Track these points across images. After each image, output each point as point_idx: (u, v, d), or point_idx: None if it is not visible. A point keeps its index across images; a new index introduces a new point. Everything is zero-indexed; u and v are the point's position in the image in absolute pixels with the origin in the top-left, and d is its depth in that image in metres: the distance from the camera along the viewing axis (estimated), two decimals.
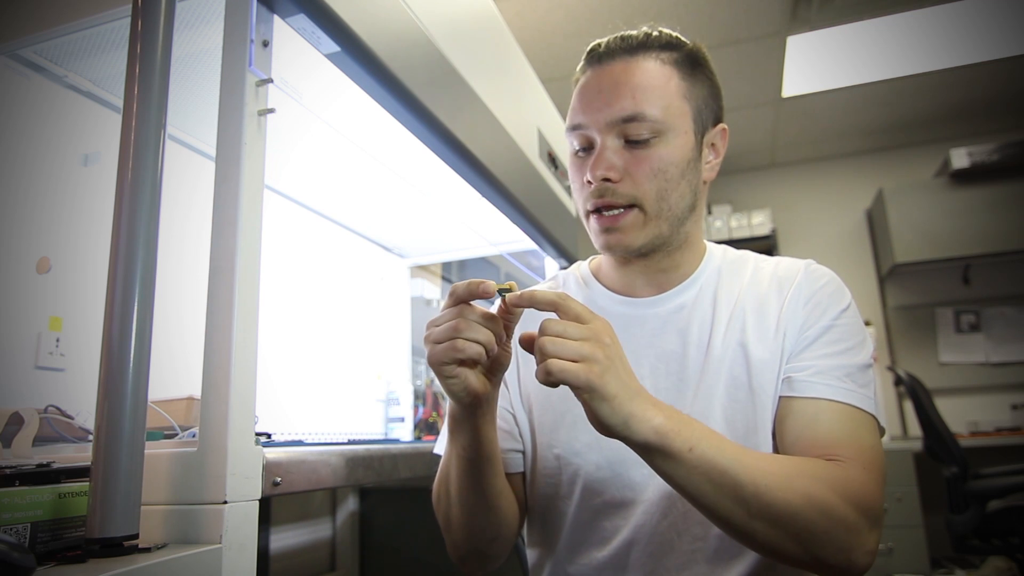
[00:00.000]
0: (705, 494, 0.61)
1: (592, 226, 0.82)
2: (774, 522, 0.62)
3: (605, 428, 0.60)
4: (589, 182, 0.79)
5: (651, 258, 0.84)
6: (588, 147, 0.81)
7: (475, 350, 0.64)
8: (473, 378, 0.67)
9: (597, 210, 0.80)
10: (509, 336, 0.70)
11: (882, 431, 0.77)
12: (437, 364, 0.65)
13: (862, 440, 0.71)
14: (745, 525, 0.62)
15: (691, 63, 0.82)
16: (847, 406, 0.72)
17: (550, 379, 0.59)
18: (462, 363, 0.66)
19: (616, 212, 0.79)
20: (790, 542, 0.63)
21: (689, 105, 0.81)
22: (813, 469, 0.66)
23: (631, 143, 0.78)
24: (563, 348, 0.59)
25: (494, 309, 0.68)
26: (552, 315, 0.63)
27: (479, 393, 0.68)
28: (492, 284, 0.64)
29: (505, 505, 0.81)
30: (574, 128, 0.82)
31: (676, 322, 0.83)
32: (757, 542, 0.64)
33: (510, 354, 0.71)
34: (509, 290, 0.65)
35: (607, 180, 0.78)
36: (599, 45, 0.83)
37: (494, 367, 0.70)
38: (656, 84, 0.79)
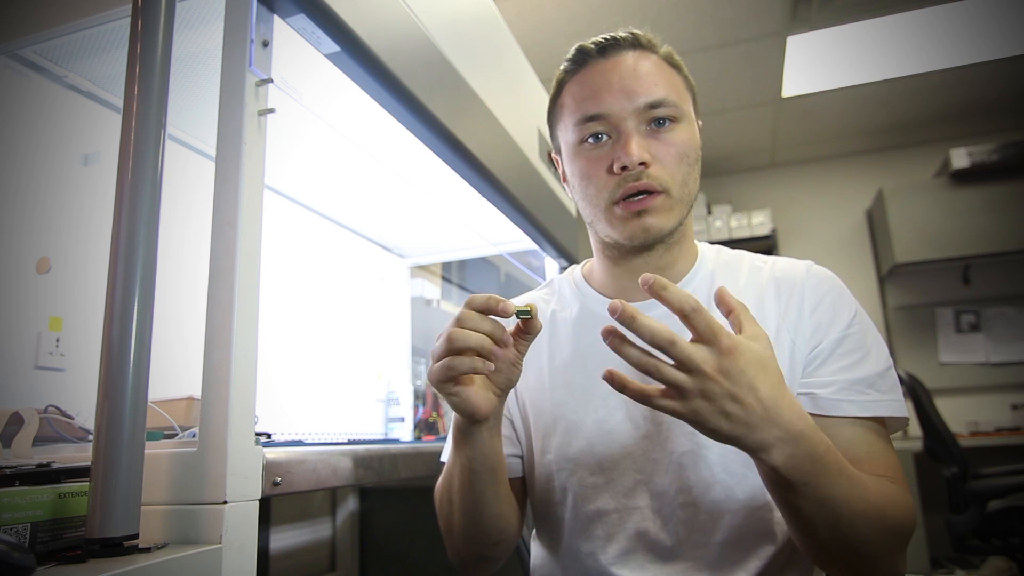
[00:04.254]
0: (803, 515, 0.62)
1: (619, 213, 0.79)
2: (853, 550, 0.64)
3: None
4: (624, 168, 0.77)
5: (653, 252, 0.83)
6: (602, 135, 0.79)
7: (468, 365, 0.62)
8: (474, 394, 0.67)
9: (624, 197, 0.78)
10: (522, 353, 0.69)
11: (906, 421, 0.77)
12: (436, 383, 0.65)
13: (891, 456, 0.72)
14: (824, 545, 0.64)
15: (673, 64, 0.84)
16: (876, 421, 0.73)
17: (640, 396, 0.56)
18: (460, 380, 0.65)
19: (643, 196, 0.78)
20: (855, 561, 0.65)
21: (689, 96, 0.84)
22: (888, 492, 0.67)
23: (655, 129, 0.79)
24: (656, 371, 0.55)
25: (511, 326, 0.68)
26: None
27: (483, 409, 0.67)
28: (511, 305, 0.62)
29: (507, 511, 0.81)
30: (592, 118, 0.79)
31: (670, 326, 0.82)
32: (824, 557, 0.66)
33: (519, 370, 0.70)
34: (528, 312, 0.64)
35: (643, 164, 0.77)
36: (592, 43, 0.82)
37: (501, 382, 0.69)
38: (667, 73, 0.81)
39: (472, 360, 0.62)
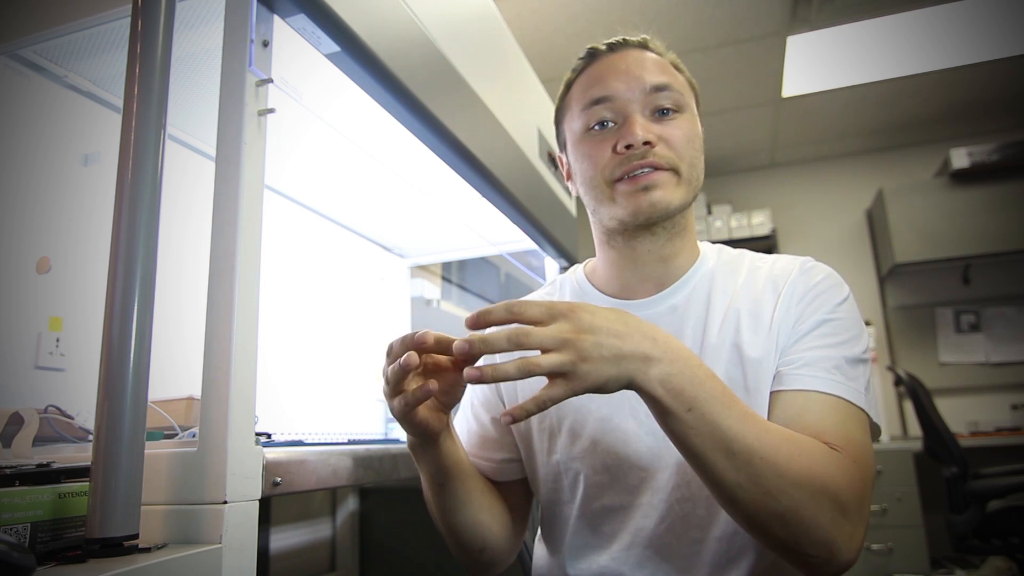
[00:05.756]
0: (698, 454, 0.61)
1: (622, 190, 0.79)
2: (764, 505, 0.60)
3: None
4: (628, 147, 0.77)
5: (656, 237, 0.82)
6: (608, 122, 0.81)
7: (408, 401, 0.66)
8: (426, 418, 0.70)
9: (628, 174, 0.78)
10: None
11: (878, 431, 0.75)
12: (398, 419, 0.69)
13: (851, 434, 0.69)
14: (733, 492, 0.61)
15: (676, 67, 0.87)
16: (836, 398, 0.70)
17: (541, 408, 0.58)
18: (416, 409, 0.68)
19: (649, 171, 0.78)
20: (775, 521, 0.61)
21: (692, 95, 0.87)
22: (816, 451, 0.64)
23: (660, 114, 0.81)
24: (536, 367, 0.57)
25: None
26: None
27: (436, 428, 0.71)
28: (430, 334, 0.65)
29: (487, 518, 0.82)
30: (598, 101, 0.81)
31: (670, 324, 0.82)
32: (741, 514, 0.63)
33: (463, 389, 0.72)
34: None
35: (647, 144, 0.77)
36: (602, 44, 0.86)
37: (447, 402, 0.72)
38: (671, 70, 0.84)
39: (407, 400, 0.66)
